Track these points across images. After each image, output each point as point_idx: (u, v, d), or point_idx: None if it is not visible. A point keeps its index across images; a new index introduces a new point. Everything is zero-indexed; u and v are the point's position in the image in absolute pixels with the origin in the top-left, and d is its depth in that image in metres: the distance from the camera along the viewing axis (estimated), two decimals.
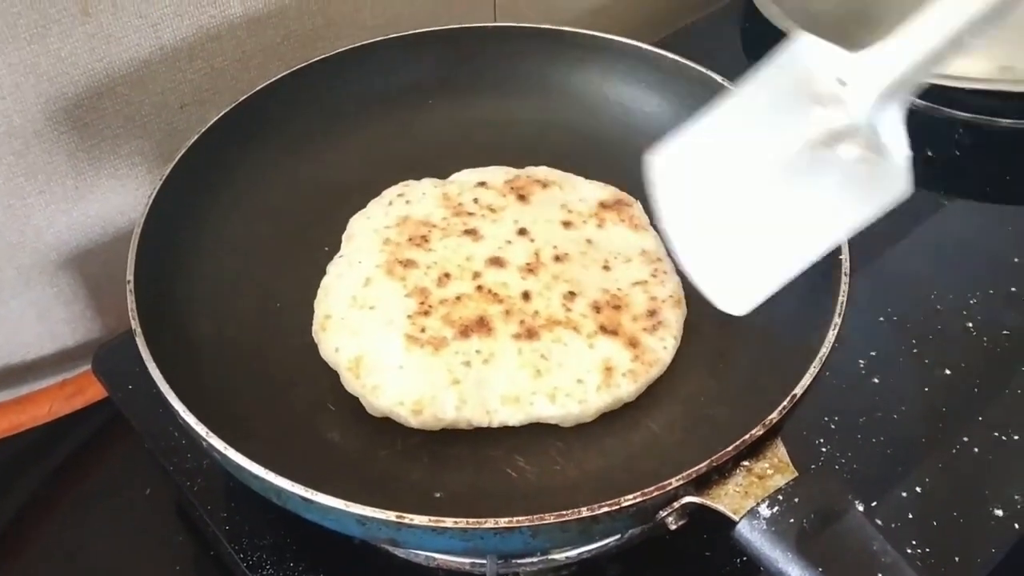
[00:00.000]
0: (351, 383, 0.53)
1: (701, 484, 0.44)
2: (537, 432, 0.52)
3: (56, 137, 0.62)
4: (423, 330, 0.54)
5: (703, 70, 0.63)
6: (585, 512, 0.42)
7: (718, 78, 0.62)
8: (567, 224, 0.60)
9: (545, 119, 0.67)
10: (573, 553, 0.53)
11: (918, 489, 0.55)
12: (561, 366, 0.53)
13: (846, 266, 0.51)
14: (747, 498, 0.43)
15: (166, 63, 0.65)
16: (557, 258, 0.58)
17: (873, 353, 0.60)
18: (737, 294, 0.50)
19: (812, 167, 0.46)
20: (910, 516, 0.54)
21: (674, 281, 0.58)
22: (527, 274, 0.57)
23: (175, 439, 0.58)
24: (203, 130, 0.60)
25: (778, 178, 0.48)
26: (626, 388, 0.53)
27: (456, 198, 0.61)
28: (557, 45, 0.67)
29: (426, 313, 0.55)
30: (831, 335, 0.49)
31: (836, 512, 0.41)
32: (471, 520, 0.42)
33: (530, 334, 0.54)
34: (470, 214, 0.60)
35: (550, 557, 0.52)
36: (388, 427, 0.52)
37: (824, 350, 0.48)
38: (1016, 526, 0.53)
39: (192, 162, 0.58)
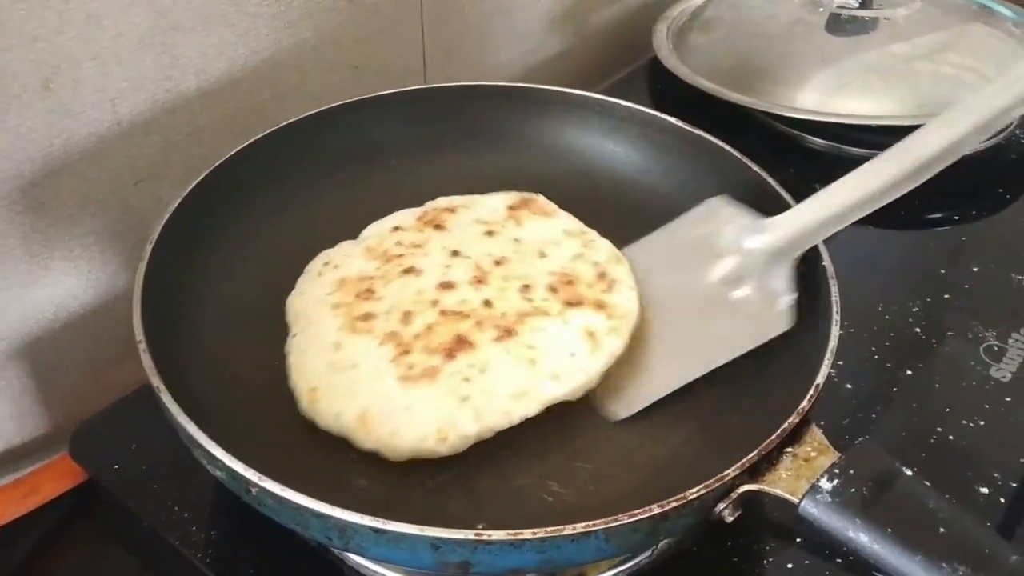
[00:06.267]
0: (365, 440, 0.52)
1: (755, 472, 0.46)
2: (565, 456, 0.53)
3: (11, 218, 0.60)
4: (411, 367, 0.54)
5: (655, 113, 0.67)
6: (656, 509, 0.43)
7: (672, 119, 0.66)
8: (490, 233, 0.63)
9: (505, 171, 0.69)
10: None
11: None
12: (549, 349, 0.55)
13: (831, 271, 0.56)
14: (800, 480, 0.45)
15: (123, 138, 0.64)
16: (497, 263, 0.60)
17: (841, 363, 0.64)
18: (623, 402, 0.55)
19: (711, 302, 0.57)
20: None
21: (605, 244, 0.63)
22: (479, 285, 0.59)
23: (176, 513, 0.55)
24: (184, 194, 0.59)
25: (683, 308, 0.58)
26: (614, 343, 0.56)
27: (379, 248, 0.62)
28: (513, 101, 0.70)
29: (406, 352, 0.55)
30: (835, 330, 0.52)
31: (889, 477, 0.44)
32: (550, 528, 0.42)
33: (508, 333, 0.56)
34: (400, 256, 0.61)
35: None
36: (414, 467, 0.52)
37: (832, 343, 0.51)
38: (1002, 500, 0.58)
39: (174, 230, 0.57)
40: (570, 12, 0.98)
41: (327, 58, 0.75)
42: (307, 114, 0.66)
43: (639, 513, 0.43)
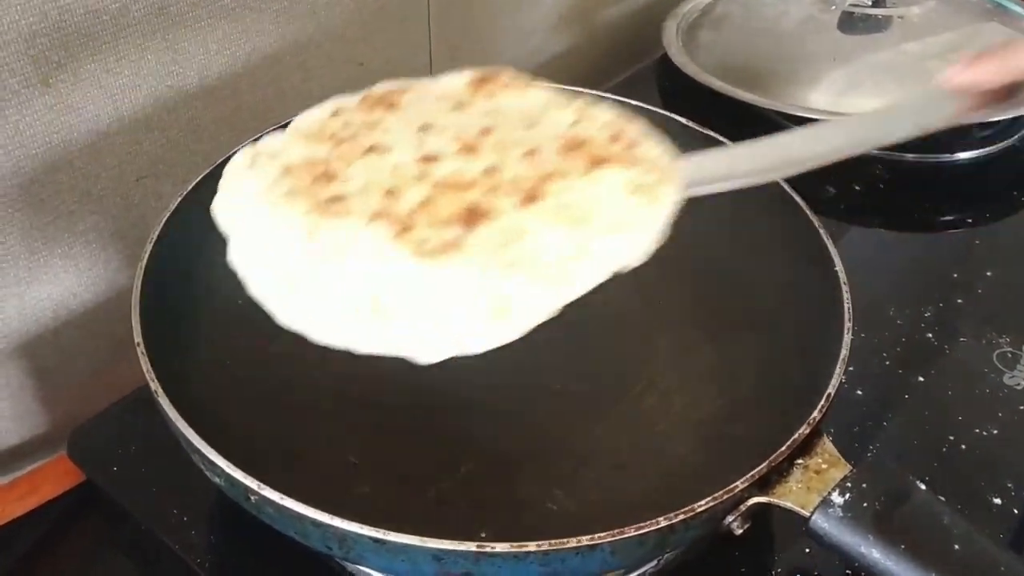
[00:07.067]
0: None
1: (764, 485, 0.45)
2: (570, 463, 0.52)
3: (10, 215, 0.59)
4: (424, 242, 0.42)
5: (663, 112, 0.65)
6: (663, 522, 0.42)
7: (679, 118, 0.65)
8: (459, 105, 0.50)
9: None
10: None
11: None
12: (593, 205, 0.43)
13: (843, 277, 0.55)
14: (811, 492, 0.44)
15: (123, 134, 0.63)
16: (483, 131, 0.48)
17: (851, 368, 0.63)
18: None
19: None
20: None
21: (603, 106, 0.51)
22: (470, 154, 0.46)
23: (175, 516, 0.55)
24: (185, 191, 0.58)
25: None
26: (670, 193, 0.44)
27: (323, 132, 0.49)
28: None
29: (407, 228, 0.42)
30: (847, 337, 0.51)
31: (903, 492, 0.43)
32: (554, 541, 0.42)
33: (532, 198, 0.44)
34: (353, 137, 0.48)
35: None
36: (419, 474, 0.51)
37: (844, 352, 0.50)
38: (1015, 511, 0.56)
39: (175, 228, 0.56)
40: (578, 8, 0.97)
41: (331, 55, 0.74)
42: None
43: (646, 526, 0.42)
